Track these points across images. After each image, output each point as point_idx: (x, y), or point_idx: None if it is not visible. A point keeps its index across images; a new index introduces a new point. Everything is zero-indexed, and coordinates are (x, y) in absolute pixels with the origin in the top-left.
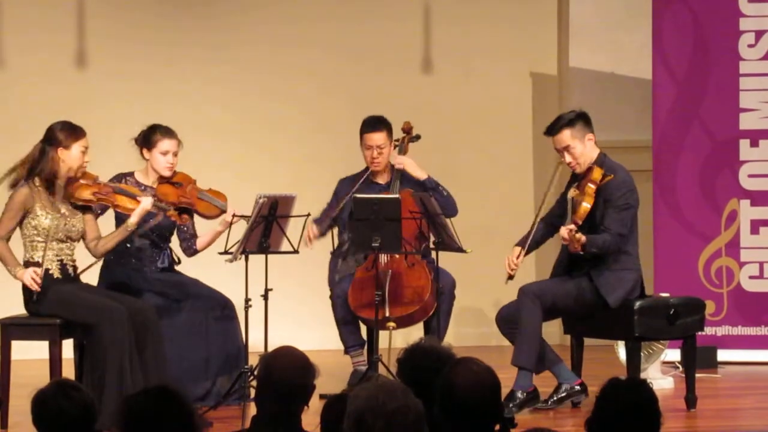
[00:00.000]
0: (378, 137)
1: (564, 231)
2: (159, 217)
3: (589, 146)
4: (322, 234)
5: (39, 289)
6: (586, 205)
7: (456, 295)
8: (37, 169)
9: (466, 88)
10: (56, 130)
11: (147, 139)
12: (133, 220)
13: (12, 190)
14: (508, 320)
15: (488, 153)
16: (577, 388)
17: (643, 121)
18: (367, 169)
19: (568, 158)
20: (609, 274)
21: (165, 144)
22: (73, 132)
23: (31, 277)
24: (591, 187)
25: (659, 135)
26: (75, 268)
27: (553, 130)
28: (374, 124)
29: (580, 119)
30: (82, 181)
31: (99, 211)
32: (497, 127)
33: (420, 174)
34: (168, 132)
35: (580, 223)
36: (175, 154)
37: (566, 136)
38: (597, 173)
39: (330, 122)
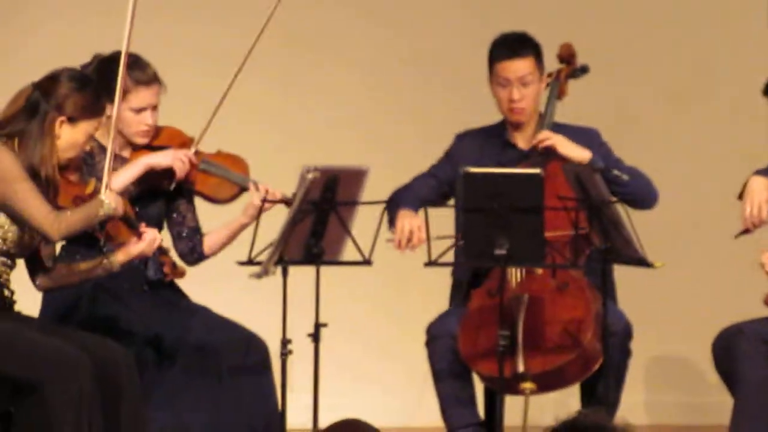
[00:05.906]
0: (519, 66)
1: None
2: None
3: None
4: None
5: None
6: None
7: (632, 349)
8: (23, 133)
9: None
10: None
11: (106, 85)
12: (121, 258)
13: None
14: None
15: (701, 101)
16: None
17: None
18: (502, 123)
19: None
20: None
21: (140, 96)
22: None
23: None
24: None
25: None
26: (13, 293)
27: None
28: (513, 46)
29: None
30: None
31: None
32: (716, 56)
33: (578, 155)
34: (144, 74)
35: None
36: (155, 108)
37: None
38: None
39: (428, 56)
